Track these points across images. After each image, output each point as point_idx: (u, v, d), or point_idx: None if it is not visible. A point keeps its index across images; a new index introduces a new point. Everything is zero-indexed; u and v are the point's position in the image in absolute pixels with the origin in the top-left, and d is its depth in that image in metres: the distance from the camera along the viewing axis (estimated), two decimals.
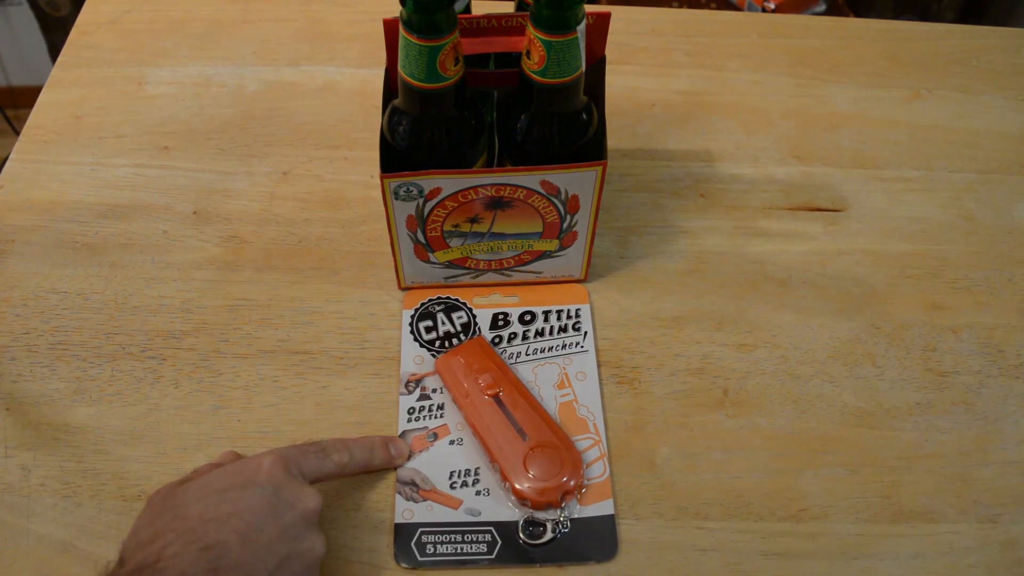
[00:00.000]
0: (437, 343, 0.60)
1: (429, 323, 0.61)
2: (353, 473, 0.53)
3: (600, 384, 0.58)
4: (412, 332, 0.60)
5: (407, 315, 0.61)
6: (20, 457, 0.54)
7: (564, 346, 0.60)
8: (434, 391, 0.58)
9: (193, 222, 0.67)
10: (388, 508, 0.53)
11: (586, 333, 0.61)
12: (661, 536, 0.52)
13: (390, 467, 0.54)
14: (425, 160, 0.54)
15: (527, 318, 0.61)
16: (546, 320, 0.61)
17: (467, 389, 0.56)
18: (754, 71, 0.79)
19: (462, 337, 0.60)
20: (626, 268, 0.65)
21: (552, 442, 0.53)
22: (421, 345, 0.60)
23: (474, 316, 0.61)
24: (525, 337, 0.60)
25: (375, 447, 0.53)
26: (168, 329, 0.61)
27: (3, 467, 0.54)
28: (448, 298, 0.62)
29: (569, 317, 0.61)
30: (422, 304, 0.62)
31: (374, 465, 0.53)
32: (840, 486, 0.55)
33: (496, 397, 0.56)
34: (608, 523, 0.52)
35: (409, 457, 0.54)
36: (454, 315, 0.61)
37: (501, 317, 0.61)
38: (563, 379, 0.58)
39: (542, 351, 0.60)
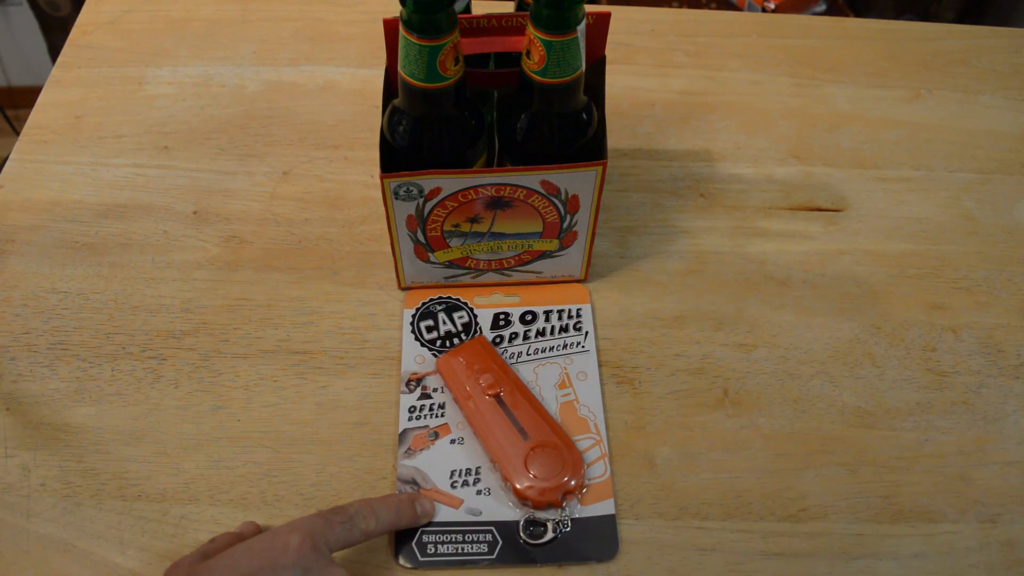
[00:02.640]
0: (438, 342, 0.60)
1: (430, 322, 0.61)
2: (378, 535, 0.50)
3: (601, 384, 0.58)
4: (413, 331, 0.60)
5: (408, 314, 0.61)
6: (20, 457, 0.54)
7: (565, 346, 0.60)
8: (435, 390, 0.58)
9: (193, 222, 0.67)
10: None
11: (587, 333, 0.61)
12: (661, 536, 0.52)
13: (415, 526, 0.51)
14: (425, 160, 0.54)
15: (528, 318, 0.61)
16: (547, 320, 0.61)
17: (468, 389, 0.56)
18: (754, 71, 0.79)
19: (463, 337, 0.60)
20: (626, 268, 0.65)
21: (553, 442, 0.53)
22: (422, 344, 0.60)
23: (475, 316, 0.61)
24: (526, 337, 0.60)
25: (401, 508, 0.50)
26: (168, 329, 0.61)
27: (3, 467, 0.54)
28: (449, 298, 0.62)
29: (570, 317, 0.61)
30: (423, 304, 0.62)
31: (400, 526, 0.51)
32: (840, 486, 0.55)
33: (497, 397, 0.56)
34: (609, 523, 0.52)
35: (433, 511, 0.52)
36: (455, 315, 0.61)
37: (502, 317, 0.61)
38: (564, 379, 0.58)
39: (543, 351, 0.60)
